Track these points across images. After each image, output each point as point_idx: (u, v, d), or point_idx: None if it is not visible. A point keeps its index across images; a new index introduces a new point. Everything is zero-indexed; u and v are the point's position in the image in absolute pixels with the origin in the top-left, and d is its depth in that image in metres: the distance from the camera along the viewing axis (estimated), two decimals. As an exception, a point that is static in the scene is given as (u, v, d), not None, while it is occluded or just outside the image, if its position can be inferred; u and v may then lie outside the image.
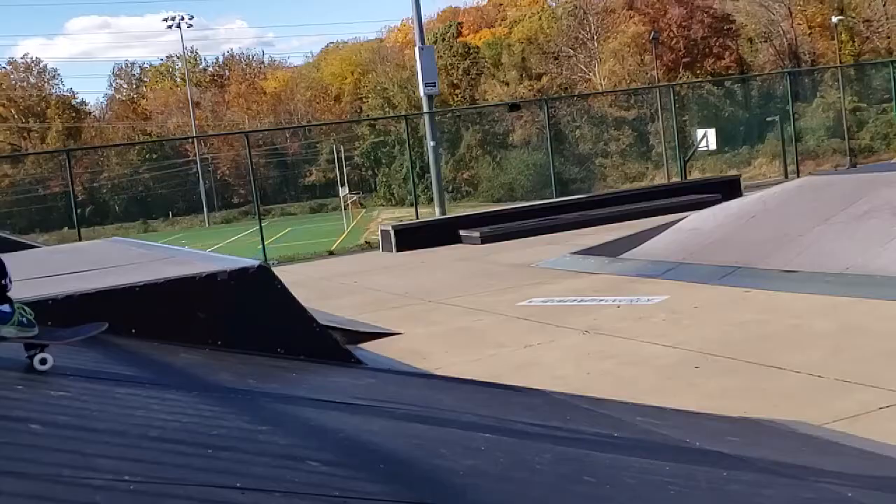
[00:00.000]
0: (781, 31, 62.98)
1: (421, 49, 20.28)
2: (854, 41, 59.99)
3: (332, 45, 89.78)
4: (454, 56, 70.31)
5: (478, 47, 72.06)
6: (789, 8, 62.14)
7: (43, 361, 3.61)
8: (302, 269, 15.15)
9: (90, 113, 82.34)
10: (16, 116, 73.85)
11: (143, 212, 64.71)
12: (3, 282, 3.65)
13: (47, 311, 4.96)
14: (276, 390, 3.89)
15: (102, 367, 4.04)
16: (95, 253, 8.40)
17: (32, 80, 77.56)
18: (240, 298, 5.33)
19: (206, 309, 5.08)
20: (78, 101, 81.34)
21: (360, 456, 2.94)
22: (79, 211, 22.20)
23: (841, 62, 52.44)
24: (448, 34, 73.54)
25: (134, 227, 58.91)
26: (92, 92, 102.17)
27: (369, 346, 7.51)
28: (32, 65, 77.56)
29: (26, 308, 3.70)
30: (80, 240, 17.88)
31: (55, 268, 6.70)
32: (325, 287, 12.09)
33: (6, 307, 3.63)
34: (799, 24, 62.94)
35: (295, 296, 5.81)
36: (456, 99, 68.55)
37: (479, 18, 79.80)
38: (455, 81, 69.43)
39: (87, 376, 3.79)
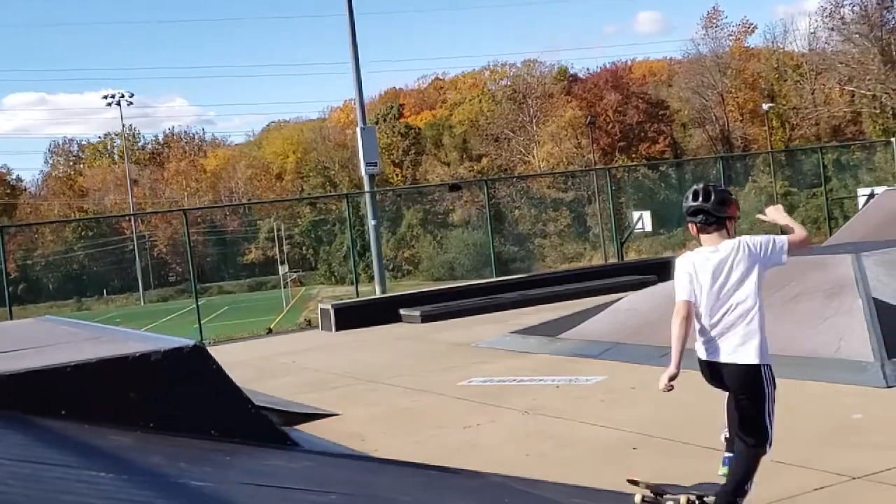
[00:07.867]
0: (714, 117, 65.27)
1: (362, 129, 20.49)
2: (784, 127, 62.33)
3: (273, 123, 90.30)
4: (396, 136, 71.23)
5: (419, 128, 73.14)
6: (721, 95, 64.54)
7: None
8: (240, 349, 14.91)
9: (25, 189, 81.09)
10: (-52, 192, 72.39)
11: (78, 290, 63.39)
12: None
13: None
14: (208, 474, 3.80)
15: (29, 451, 3.91)
16: (26, 332, 8.18)
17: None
18: (173, 379, 5.23)
19: (139, 390, 4.97)
20: (13, 177, 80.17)
21: (295, 542, 2.88)
22: (10, 289, 21.61)
23: (772, 148, 54.37)
24: (390, 115, 74.56)
25: (68, 305, 57.58)
26: (28, 169, 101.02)
27: (306, 428, 7.39)
28: (-34, 140, 76.40)
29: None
30: (10, 318, 17.40)
31: (-18, 347, 6.51)
32: (263, 367, 11.91)
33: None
34: (731, 110, 65.34)
35: (231, 376, 5.72)
36: (397, 178, 69.22)
37: (420, 100, 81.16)
38: (397, 161, 70.21)
39: (14, 459, 3.66)
